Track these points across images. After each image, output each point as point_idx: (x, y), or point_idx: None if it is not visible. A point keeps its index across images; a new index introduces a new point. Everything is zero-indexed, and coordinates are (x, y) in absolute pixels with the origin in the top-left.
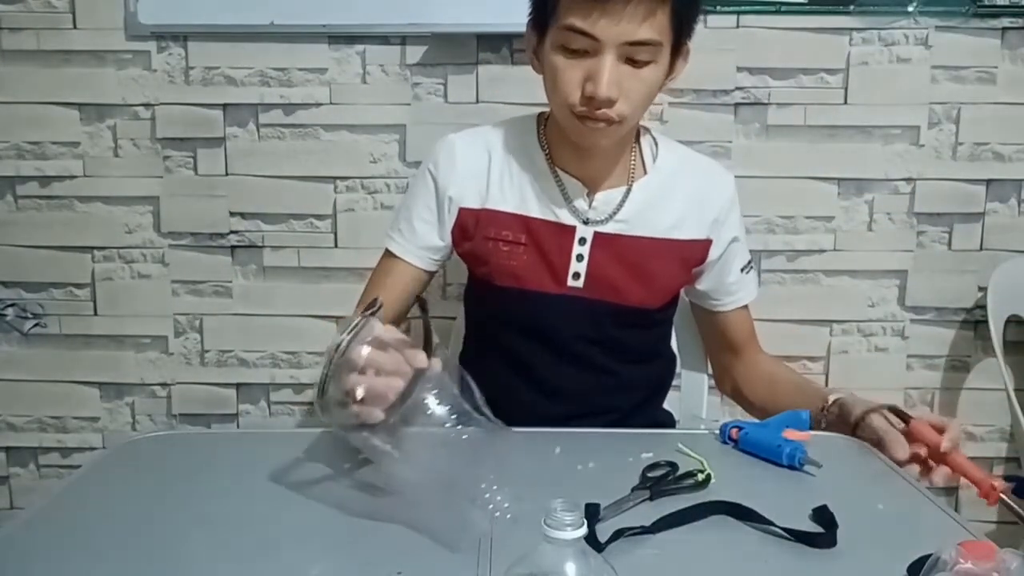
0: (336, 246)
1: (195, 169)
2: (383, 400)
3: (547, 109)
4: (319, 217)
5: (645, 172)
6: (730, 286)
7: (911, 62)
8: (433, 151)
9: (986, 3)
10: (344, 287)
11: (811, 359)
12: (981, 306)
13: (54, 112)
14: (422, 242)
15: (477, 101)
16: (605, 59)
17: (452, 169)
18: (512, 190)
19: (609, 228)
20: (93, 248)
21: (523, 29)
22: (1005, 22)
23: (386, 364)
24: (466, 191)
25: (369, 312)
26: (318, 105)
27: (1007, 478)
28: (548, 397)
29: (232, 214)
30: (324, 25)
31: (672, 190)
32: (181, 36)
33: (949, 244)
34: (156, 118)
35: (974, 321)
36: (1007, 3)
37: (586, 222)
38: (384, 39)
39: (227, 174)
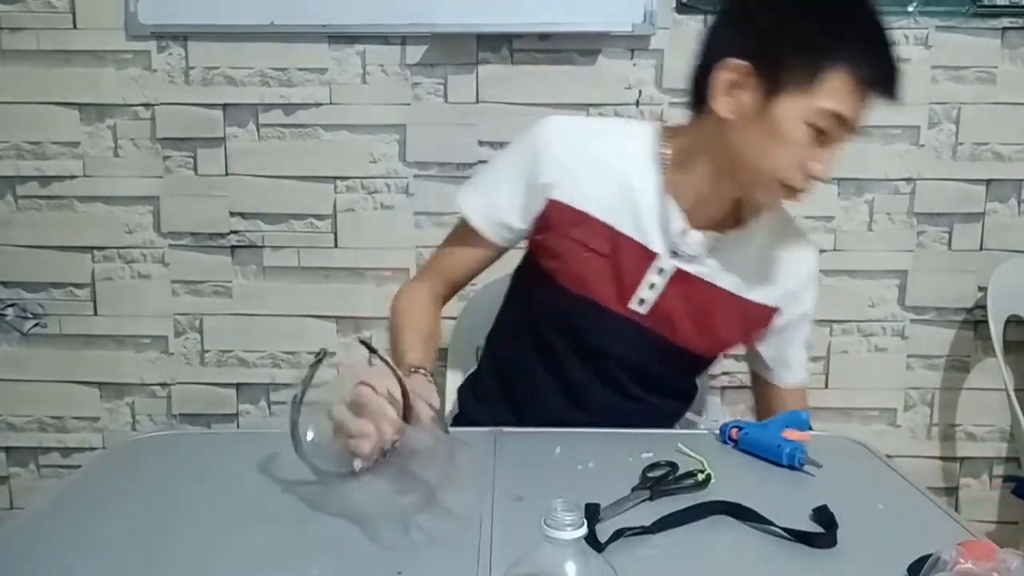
0: (336, 246)
1: (195, 169)
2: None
3: (668, 124)
4: (319, 217)
5: (743, 224)
6: (789, 359)
7: (911, 62)
8: (536, 130)
9: (986, 3)
10: (344, 287)
11: (811, 359)
12: (981, 306)
13: (54, 112)
14: (501, 217)
15: (477, 101)
16: (837, 146)
17: (551, 156)
18: (609, 198)
19: (691, 268)
20: (93, 248)
21: (523, 30)
22: (1005, 22)
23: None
24: (560, 183)
25: (316, 362)
26: (318, 105)
27: (1007, 478)
28: (568, 400)
29: (232, 214)
30: (324, 25)
31: (760, 250)
32: (181, 36)
33: (949, 244)
34: (156, 118)
35: (974, 321)
36: (1007, 3)
37: (672, 255)
38: (384, 39)
39: (227, 174)
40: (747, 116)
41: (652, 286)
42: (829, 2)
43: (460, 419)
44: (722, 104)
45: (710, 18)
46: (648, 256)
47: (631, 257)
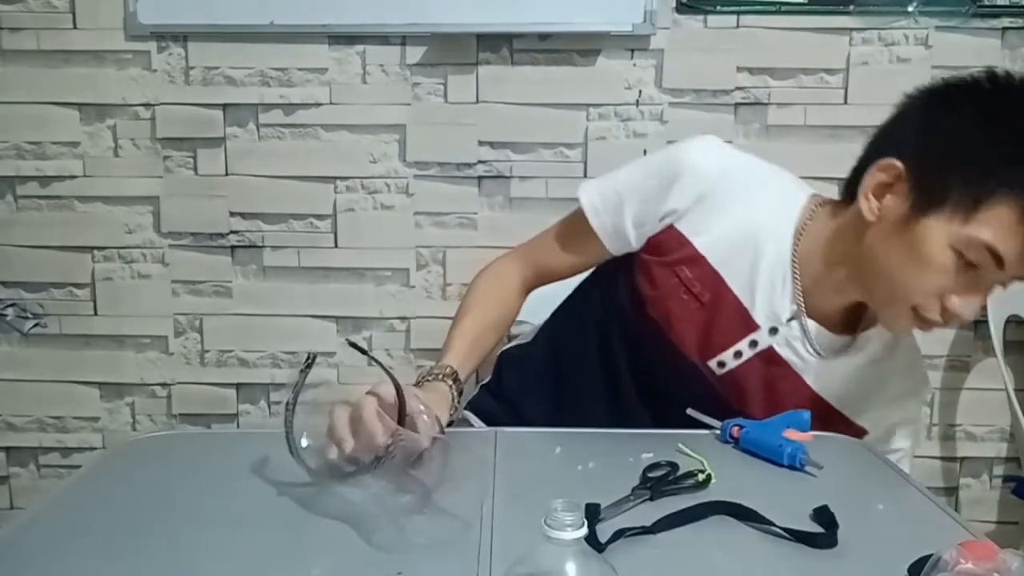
0: (336, 246)
1: (195, 169)
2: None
3: (824, 197)
4: (319, 217)
5: (856, 329)
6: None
7: (911, 62)
8: (688, 147)
9: (986, 3)
10: (344, 287)
11: None
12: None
13: (54, 112)
14: (620, 223)
15: (477, 101)
16: (988, 286)
17: (693, 181)
18: (731, 247)
19: (785, 352)
20: (93, 248)
21: (523, 30)
22: (1005, 22)
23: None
24: (689, 213)
25: (306, 367)
26: (318, 105)
27: (1007, 478)
28: (613, 415)
29: (232, 214)
30: (324, 25)
31: (865, 363)
32: (181, 36)
33: None
34: (156, 118)
35: (974, 321)
36: (1007, 3)
37: (772, 331)
38: (384, 39)
39: (227, 174)
40: (890, 223)
41: (738, 354)
42: (1013, 124)
43: (494, 388)
44: (869, 205)
45: (708, 17)
46: (747, 325)
47: (729, 318)
